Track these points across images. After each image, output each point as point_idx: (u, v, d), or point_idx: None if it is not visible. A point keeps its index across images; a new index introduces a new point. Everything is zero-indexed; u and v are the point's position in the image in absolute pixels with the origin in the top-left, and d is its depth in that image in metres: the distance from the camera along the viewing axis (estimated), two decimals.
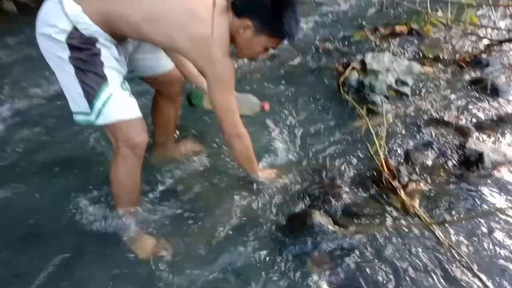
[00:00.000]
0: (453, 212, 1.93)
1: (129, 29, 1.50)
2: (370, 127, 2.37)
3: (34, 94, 2.82)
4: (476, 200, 1.99)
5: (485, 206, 1.96)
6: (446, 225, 1.84)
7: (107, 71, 1.51)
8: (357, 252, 1.73)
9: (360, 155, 2.29)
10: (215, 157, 2.26)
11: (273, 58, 3.35)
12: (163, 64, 1.90)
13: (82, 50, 1.47)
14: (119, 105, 1.54)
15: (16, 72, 3.08)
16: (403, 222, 1.88)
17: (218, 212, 1.93)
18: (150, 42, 1.63)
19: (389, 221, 1.88)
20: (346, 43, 3.67)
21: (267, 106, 2.07)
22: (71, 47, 1.46)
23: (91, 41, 1.47)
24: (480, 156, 2.16)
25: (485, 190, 2.04)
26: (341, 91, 2.87)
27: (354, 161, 2.24)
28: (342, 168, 2.18)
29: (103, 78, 1.51)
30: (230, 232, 1.84)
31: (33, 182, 2.07)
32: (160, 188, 2.04)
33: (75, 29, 1.43)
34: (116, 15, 1.46)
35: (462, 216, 1.92)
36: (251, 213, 1.92)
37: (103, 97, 1.51)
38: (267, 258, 1.71)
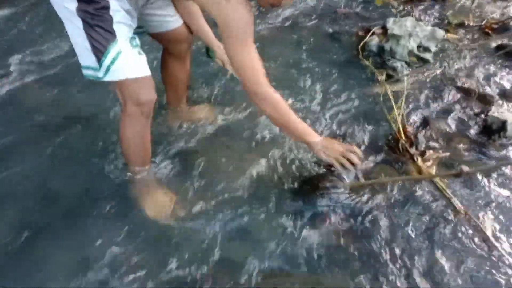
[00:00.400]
0: (471, 183, 1.87)
1: None
2: (389, 93, 2.30)
3: (48, 51, 2.80)
4: (496, 173, 1.93)
5: (503, 180, 1.90)
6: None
7: (116, 26, 1.46)
8: (371, 214, 1.73)
9: (378, 121, 2.23)
10: (229, 121, 2.22)
11: (290, 21, 3.26)
12: (172, 21, 1.83)
13: (90, 2, 1.41)
14: (127, 62, 1.49)
15: (33, 27, 3.06)
16: (419, 189, 1.84)
17: (230, 175, 1.91)
18: None
19: (406, 188, 1.84)
20: (367, 8, 3.53)
21: None
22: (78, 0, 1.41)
23: None
24: (503, 124, 2.08)
25: (507, 159, 1.97)
26: (361, 56, 2.78)
27: (371, 127, 2.18)
28: (358, 134, 2.13)
29: (112, 34, 1.45)
30: (243, 195, 1.83)
31: (46, 140, 2.07)
32: (172, 150, 2.03)
33: None
34: None
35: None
36: (264, 177, 1.90)
37: (111, 54, 1.46)
38: (280, 221, 1.71)
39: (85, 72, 1.55)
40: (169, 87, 2.13)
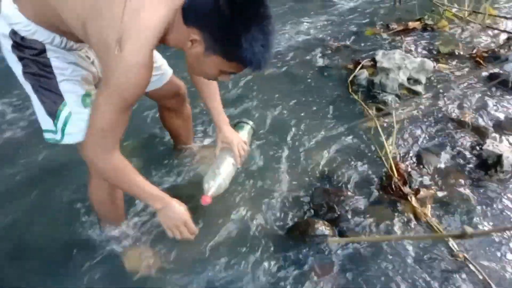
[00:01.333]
0: (469, 221, 1.78)
1: (58, 21, 1.24)
2: (379, 128, 2.23)
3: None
4: (495, 207, 1.84)
5: (505, 214, 1.81)
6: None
7: (63, 86, 1.34)
8: (363, 263, 1.61)
9: (368, 158, 2.15)
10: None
11: (279, 55, 3.23)
12: (162, 73, 1.71)
13: (30, 63, 1.30)
14: (80, 125, 1.35)
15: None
16: (413, 231, 1.74)
17: (214, 221, 1.81)
18: (71, 31, 1.29)
19: (398, 230, 1.74)
20: (356, 40, 3.52)
21: (207, 200, 1.60)
22: (20, 59, 1.30)
23: (36, 51, 1.29)
24: (498, 158, 2.00)
25: (504, 196, 1.89)
26: (350, 90, 2.73)
27: (362, 164, 2.10)
28: (348, 172, 2.05)
29: (59, 95, 1.34)
30: (227, 242, 1.73)
31: (18, 194, 1.97)
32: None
33: (14, 32, 1.26)
34: (44, 4, 1.22)
35: (481, 230, 1.76)
36: (249, 222, 1.80)
37: (62, 117, 1.35)
38: (267, 270, 1.60)
39: (46, 135, 1.43)
40: (173, 135, 2.07)
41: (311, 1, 4.49)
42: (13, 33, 1.26)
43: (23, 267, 1.67)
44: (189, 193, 1.80)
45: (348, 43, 3.47)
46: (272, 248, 1.69)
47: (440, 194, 1.91)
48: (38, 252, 1.72)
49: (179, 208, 1.47)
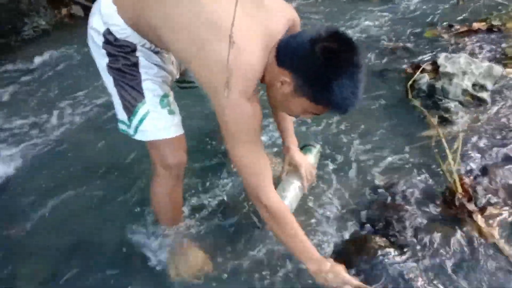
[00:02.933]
0: None
1: (155, 37, 1.32)
2: (442, 138, 2.11)
3: (93, 98, 2.83)
4: None
5: None
6: None
7: (146, 85, 1.40)
8: (422, 284, 1.52)
9: (430, 171, 2.03)
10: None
11: None
12: None
13: (119, 58, 1.37)
14: (155, 124, 1.43)
15: (83, 76, 3.12)
16: (479, 253, 1.62)
17: (266, 233, 1.77)
18: (170, 51, 1.43)
19: (461, 251, 1.63)
20: (416, 42, 3.36)
21: None
22: (109, 54, 1.37)
23: (129, 48, 1.36)
24: None
25: None
26: (410, 96, 2.61)
27: (422, 177, 1.99)
28: (408, 185, 1.94)
29: (140, 93, 1.40)
30: (280, 255, 1.69)
31: (82, 191, 2.06)
32: (211, 203, 1.93)
33: (109, 31, 1.33)
34: (144, 19, 1.29)
35: None
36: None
37: (139, 114, 1.41)
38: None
39: (120, 126, 1.51)
40: None
41: (368, 0, 4.34)
42: (108, 33, 1.33)
43: (76, 265, 1.73)
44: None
45: (407, 44, 3.33)
46: None
47: (508, 213, 1.77)
48: (91, 251, 1.78)
49: (336, 267, 1.37)
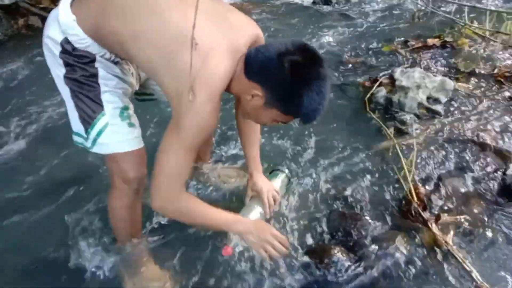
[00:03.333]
0: (492, 250, 1.70)
1: (118, 48, 1.30)
2: (398, 149, 2.17)
3: (49, 110, 2.74)
4: None
5: None
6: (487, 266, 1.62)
7: (105, 96, 1.37)
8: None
9: (387, 181, 2.08)
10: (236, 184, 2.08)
11: None
12: None
13: (77, 69, 1.32)
14: (114, 136, 1.39)
15: (40, 88, 3.02)
16: (435, 260, 1.67)
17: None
18: (137, 65, 1.43)
19: (418, 258, 1.67)
20: (374, 56, 3.47)
21: (228, 250, 1.51)
22: (66, 64, 1.32)
23: (87, 59, 1.32)
24: None
25: None
26: (368, 108, 2.68)
27: (380, 188, 2.04)
28: (366, 195, 1.99)
29: (99, 105, 1.36)
30: (241, 267, 1.67)
31: (37, 205, 1.97)
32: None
33: (67, 41, 1.28)
34: (107, 30, 1.26)
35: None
36: None
37: (98, 126, 1.37)
38: None
39: (75, 138, 1.46)
40: None
41: (328, 15, 4.46)
42: (66, 42, 1.29)
43: (29, 283, 1.65)
44: None
45: (365, 59, 3.42)
46: (286, 274, 1.63)
47: (461, 220, 1.83)
48: (44, 268, 1.71)
49: (263, 224, 1.52)
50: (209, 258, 1.70)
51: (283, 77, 1.18)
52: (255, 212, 1.65)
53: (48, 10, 4.24)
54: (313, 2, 4.85)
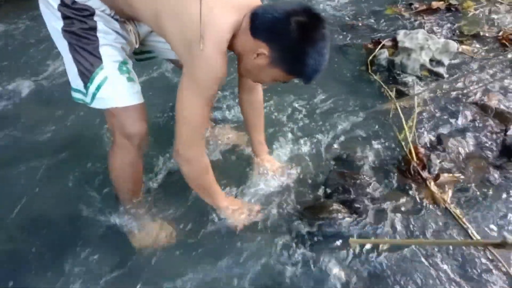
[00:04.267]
0: (490, 209, 1.72)
1: (122, 2, 1.30)
2: (399, 110, 2.15)
3: (43, 72, 2.71)
4: None
5: None
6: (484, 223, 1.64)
7: (103, 50, 1.35)
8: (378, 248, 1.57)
9: (387, 141, 2.08)
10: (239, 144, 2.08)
11: None
12: None
13: (75, 21, 1.30)
14: (114, 90, 1.37)
15: (29, 49, 2.98)
16: (432, 218, 1.68)
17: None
18: (141, 20, 1.41)
19: (415, 216, 1.69)
20: (377, 19, 3.40)
21: None
22: (64, 17, 1.31)
23: (87, 12, 1.30)
24: None
25: None
26: (369, 70, 2.65)
27: (379, 147, 2.04)
28: (366, 155, 1.99)
29: (98, 58, 1.34)
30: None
31: (36, 166, 1.98)
32: (172, 172, 1.90)
33: None
34: None
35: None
36: (263, 203, 1.76)
37: (97, 80, 1.35)
38: (281, 251, 1.59)
39: (74, 94, 1.45)
40: None
41: None
42: None
43: (34, 240, 1.67)
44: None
45: (367, 21, 3.36)
46: (286, 229, 1.66)
47: (460, 179, 1.84)
48: (49, 226, 1.72)
49: (236, 201, 1.69)
50: (211, 211, 1.72)
51: (291, 37, 1.21)
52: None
53: None
54: None
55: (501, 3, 3.33)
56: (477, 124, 2.17)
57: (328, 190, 1.80)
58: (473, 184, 1.82)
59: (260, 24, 1.25)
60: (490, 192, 1.79)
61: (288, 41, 1.22)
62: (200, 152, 1.44)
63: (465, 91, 2.43)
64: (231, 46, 1.31)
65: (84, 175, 1.92)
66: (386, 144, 2.06)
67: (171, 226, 1.68)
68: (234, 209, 1.66)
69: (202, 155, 1.45)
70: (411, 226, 1.66)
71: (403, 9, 3.55)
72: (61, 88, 2.47)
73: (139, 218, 1.68)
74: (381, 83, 2.49)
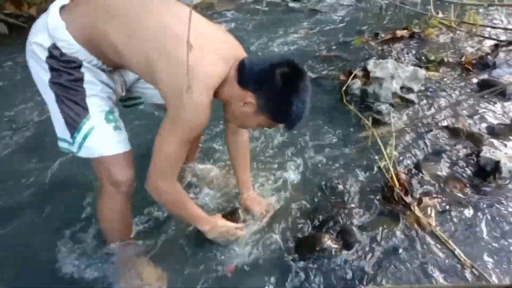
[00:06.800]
0: (472, 229, 1.79)
1: (111, 51, 1.33)
2: (377, 138, 2.24)
3: (22, 118, 2.69)
4: (496, 214, 1.85)
5: (507, 221, 1.82)
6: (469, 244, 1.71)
7: (90, 100, 1.38)
8: (370, 277, 1.61)
9: (368, 169, 2.15)
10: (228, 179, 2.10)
11: None
12: None
13: (63, 73, 1.34)
14: (101, 139, 1.41)
15: (5, 95, 2.96)
16: (419, 242, 1.74)
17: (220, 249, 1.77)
18: (129, 68, 1.43)
19: (404, 242, 1.74)
20: (346, 49, 3.55)
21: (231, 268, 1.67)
22: (52, 69, 1.34)
23: (74, 64, 1.34)
24: (496, 165, 2.02)
25: (504, 203, 1.91)
26: (344, 100, 2.75)
27: (362, 176, 2.11)
28: (350, 184, 2.05)
29: (84, 109, 1.38)
30: (235, 257, 1.71)
31: (20, 214, 1.95)
32: (162, 215, 1.90)
33: (55, 46, 1.30)
34: (100, 34, 1.30)
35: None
36: (256, 238, 1.78)
37: (83, 130, 1.38)
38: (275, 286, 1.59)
39: (61, 144, 1.47)
40: None
41: (299, 12, 4.53)
42: (54, 48, 1.31)
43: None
44: None
45: (338, 52, 3.50)
46: (280, 264, 1.67)
47: (441, 202, 1.92)
48: (36, 274, 1.69)
49: (221, 221, 1.70)
50: (200, 258, 1.72)
51: (276, 87, 1.31)
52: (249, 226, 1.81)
53: (13, 16, 4.15)
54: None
55: (460, 31, 3.53)
56: (451, 147, 2.27)
57: (317, 222, 1.84)
58: (453, 206, 1.90)
59: (247, 75, 1.34)
60: (470, 212, 1.86)
61: (273, 91, 1.32)
62: (170, 183, 1.45)
63: (436, 116, 2.55)
64: (217, 94, 1.38)
65: (72, 220, 1.89)
66: (368, 171, 2.13)
67: (162, 271, 1.67)
68: (218, 231, 1.66)
69: (173, 186, 1.46)
70: (400, 251, 1.71)
71: (370, 39, 3.72)
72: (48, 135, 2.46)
73: (130, 262, 1.67)
74: (357, 112, 2.59)
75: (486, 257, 1.67)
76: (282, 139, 2.40)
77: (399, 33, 3.69)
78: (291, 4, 4.78)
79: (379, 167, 2.12)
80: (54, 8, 1.32)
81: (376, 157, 2.18)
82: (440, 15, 3.74)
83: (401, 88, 2.73)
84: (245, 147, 1.84)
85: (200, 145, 2.27)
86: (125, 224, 1.64)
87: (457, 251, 1.68)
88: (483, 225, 1.81)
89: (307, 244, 1.71)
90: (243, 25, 4.16)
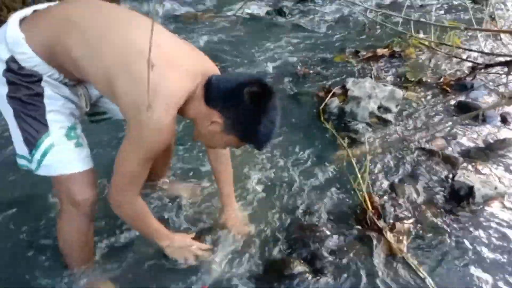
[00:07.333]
0: (444, 255, 1.76)
1: (72, 65, 1.27)
2: (352, 159, 2.21)
3: None
4: (469, 240, 1.82)
5: (479, 248, 1.79)
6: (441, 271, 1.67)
7: (50, 116, 1.32)
8: None
9: (342, 190, 2.11)
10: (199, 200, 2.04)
11: None
12: None
13: (21, 88, 1.27)
14: (60, 157, 1.34)
15: None
16: (391, 269, 1.70)
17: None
18: (91, 83, 1.38)
19: (375, 269, 1.70)
20: (326, 66, 3.54)
21: None
22: (10, 83, 1.26)
23: (34, 78, 1.27)
24: (470, 190, 2.00)
25: (477, 229, 1.88)
26: (322, 118, 2.72)
27: (335, 197, 2.06)
28: (322, 206, 2.00)
29: (44, 125, 1.31)
30: (202, 281, 1.64)
31: None
32: (128, 235, 1.83)
33: (13, 59, 1.24)
34: (61, 48, 1.24)
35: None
36: (224, 261, 1.72)
37: (42, 147, 1.31)
38: None
39: (19, 161, 1.40)
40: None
41: (282, 26, 4.51)
42: (12, 60, 1.24)
43: None
44: None
45: (318, 69, 3.48)
46: None
47: (415, 228, 1.88)
48: None
49: (183, 238, 1.66)
50: (168, 279, 1.65)
51: (244, 107, 1.27)
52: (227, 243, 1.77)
53: None
54: (267, 13, 4.89)
55: (440, 51, 3.55)
56: (426, 169, 2.25)
57: (287, 245, 1.79)
58: (426, 231, 1.86)
59: (214, 93, 1.30)
60: (444, 238, 1.83)
61: (241, 110, 1.28)
62: (131, 198, 1.39)
63: (412, 136, 2.53)
64: (182, 111, 1.32)
65: (31, 239, 1.81)
66: (342, 193, 2.10)
67: None
68: (176, 246, 1.62)
69: (133, 201, 1.41)
70: (370, 278, 1.66)
71: (350, 56, 3.72)
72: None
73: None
74: (333, 131, 2.56)
75: (456, 285, 1.63)
76: (252, 155, 2.35)
77: (380, 51, 3.70)
78: (275, 19, 4.77)
79: (353, 189, 2.08)
80: (13, 20, 1.26)
81: (351, 178, 2.14)
82: (422, 35, 3.77)
83: (379, 107, 2.71)
84: (226, 161, 1.78)
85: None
86: (85, 245, 1.56)
87: (428, 280, 1.64)
88: (455, 252, 1.78)
89: (276, 268, 1.66)
90: (226, 38, 4.13)
